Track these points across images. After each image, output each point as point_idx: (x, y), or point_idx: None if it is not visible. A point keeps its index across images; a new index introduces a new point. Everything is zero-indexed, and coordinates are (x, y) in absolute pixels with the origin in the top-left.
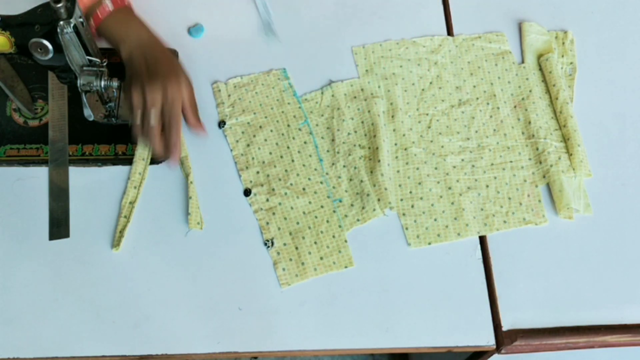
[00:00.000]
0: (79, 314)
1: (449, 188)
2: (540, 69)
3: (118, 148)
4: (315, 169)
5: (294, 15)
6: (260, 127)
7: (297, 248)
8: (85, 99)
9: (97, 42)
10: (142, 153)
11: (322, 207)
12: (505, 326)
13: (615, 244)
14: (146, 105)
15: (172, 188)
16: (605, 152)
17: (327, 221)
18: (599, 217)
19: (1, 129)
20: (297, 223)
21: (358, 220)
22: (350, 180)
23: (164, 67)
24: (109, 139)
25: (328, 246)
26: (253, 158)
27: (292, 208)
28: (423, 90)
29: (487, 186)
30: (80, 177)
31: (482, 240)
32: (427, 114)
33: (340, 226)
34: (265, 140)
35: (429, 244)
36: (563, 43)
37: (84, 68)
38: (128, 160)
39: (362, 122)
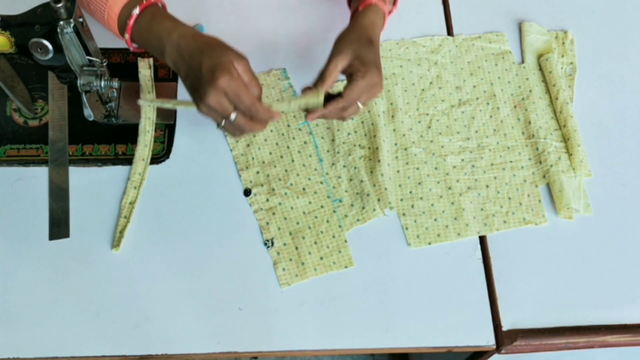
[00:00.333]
0: (79, 314)
1: (449, 188)
2: (540, 69)
3: (118, 148)
4: (315, 169)
5: (294, 15)
6: None
7: (297, 248)
8: (85, 99)
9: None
10: (142, 153)
11: (322, 207)
12: (505, 326)
13: (615, 244)
14: (218, 113)
15: (172, 188)
16: (605, 152)
17: (327, 221)
18: (599, 217)
19: (1, 129)
20: (297, 223)
21: (358, 220)
22: (350, 180)
23: (206, 68)
24: (109, 139)
25: (328, 246)
26: (253, 158)
27: (292, 208)
28: (423, 90)
29: (487, 186)
30: (80, 177)
31: (482, 240)
32: (427, 114)
33: (340, 226)
34: (265, 140)
35: (429, 244)
36: (563, 43)
37: (84, 68)
38: (128, 160)
39: (362, 122)
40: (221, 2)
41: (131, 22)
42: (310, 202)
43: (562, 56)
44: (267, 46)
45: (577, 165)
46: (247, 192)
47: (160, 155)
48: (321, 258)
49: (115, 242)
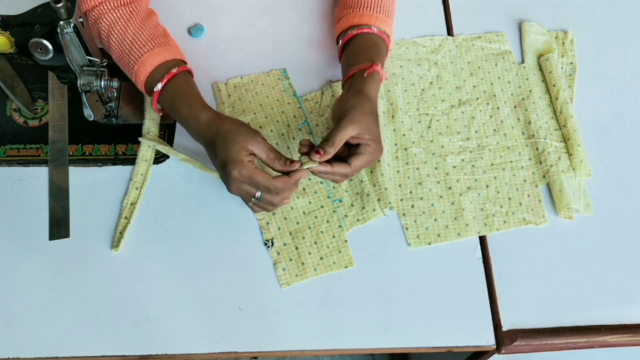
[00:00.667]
0: (79, 314)
1: (449, 188)
2: (540, 69)
3: (118, 148)
4: None
5: (294, 15)
6: (260, 127)
7: (297, 248)
8: (85, 99)
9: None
10: (145, 154)
11: (322, 207)
12: (505, 326)
13: (615, 244)
14: (243, 196)
15: (172, 188)
16: (605, 152)
17: (327, 221)
18: (599, 217)
19: (1, 129)
20: (297, 223)
21: (358, 220)
22: (350, 180)
23: (220, 162)
24: (109, 139)
25: (328, 246)
26: None
27: (292, 208)
28: (423, 90)
29: (487, 186)
30: (80, 177)
31: (482, 240)
32: (427, 114)
33: (340, 226)
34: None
35: (429, 244)
36: (563, 43)
37: (84, 68)
38: (128, 160)
39: None
40: (221, 2)
41: (155, 97)
42: (310, 202)
43: (562, 56)
44: (267, 46)
45: (577, 165)
46: None
47: (160, 155)
48: (321, 258)
49: (115, 243)
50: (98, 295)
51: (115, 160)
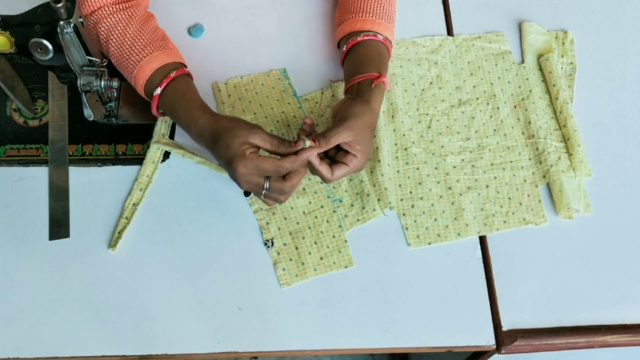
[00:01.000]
0: (79, 314)
1: (449, 188)
2: (540, 69)
3: (118, 148)
4: None
5: (294, 14)
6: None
7: (297, 248)
8: (85, 99)
9: None
10: (153, 156)
11: (322, 207)
12: (505, 326)
13: (615, 244)
14: (255, 189)
15: (173, 188)
16: (605, 152)
17: (327, 221)
18: (599, 217)
19: (1, 129)
20: (297, 223)
21: (358, 220)
22: (350, 180)
23: (224, 161)
24: (109, 139)
25: (328, 246)
26: None
27: (292, 208)
28: (423, 90)
29: (487, 186)
30: (80, 177)
31: (482, 240)
32: (427, 114)
33: (340, 226)
34: None
35: (429, 244)
36: (563, 43)
37: (84, 68)
38: (128, 160)
39: None
40: (221, 2)
41: (155, 102)
42: (310, 202)
43: (562, 56)
44: (267, 46)
45: (577, 165)
46: (247, 192)
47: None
48: (321, 258)
49: (113, 242)
50: (98, 295)
51: (115, 160)
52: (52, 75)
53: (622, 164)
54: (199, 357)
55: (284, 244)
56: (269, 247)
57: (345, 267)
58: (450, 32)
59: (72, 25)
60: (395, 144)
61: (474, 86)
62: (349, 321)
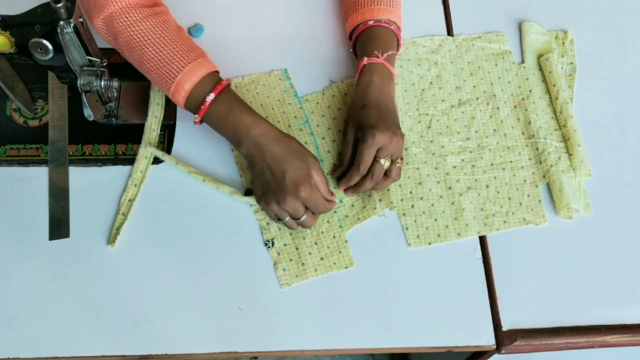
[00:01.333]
0: (79, 314)
1: (449, 188)
2: (540, 69)
3: (118, 148)
4: None
5: (295, 14)
6: None
7: (297, 248)
8: (85, 99)
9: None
10: (145, 152)
11: None
12: (505, 326)
13: (615, 244)
14: (288, 214)
15: (173, 188)
16: (605, 152)
17: (328, 221)
18: (599, 217)
19: (1, 129)
20: None
21: (358, 219)
22: None
23: (290, 179)
24: (109, 139)
25: (328, 247)
26: None
27: None
28: (423, 90)
29: (487, 186)
30: (80, 177)
31: (482, 240)
32: (427, 114)
33: (340, 226)
34: None
35: (429, 244)
36: (563, 43)
37: (84, 68)
38: (128, 160)
39: None
40: (222, 2)
41: (205, 107)
42: None
43: (562, 56)
44: (268, 46)
45: (577, 165)
46: (247, 192)
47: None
48: (321, 258)
49: (111, 239)
50: (98, 295)
51: (115, 160)
52: (52, 75)
53: (622, 164)
54: (199, 357)
55: (285, 245)
56: (269, 247)
57: (346, 267)
58: (450, 32)
59: (72, 25)
60: None
61: (474, 86)
62: (349, 321)
